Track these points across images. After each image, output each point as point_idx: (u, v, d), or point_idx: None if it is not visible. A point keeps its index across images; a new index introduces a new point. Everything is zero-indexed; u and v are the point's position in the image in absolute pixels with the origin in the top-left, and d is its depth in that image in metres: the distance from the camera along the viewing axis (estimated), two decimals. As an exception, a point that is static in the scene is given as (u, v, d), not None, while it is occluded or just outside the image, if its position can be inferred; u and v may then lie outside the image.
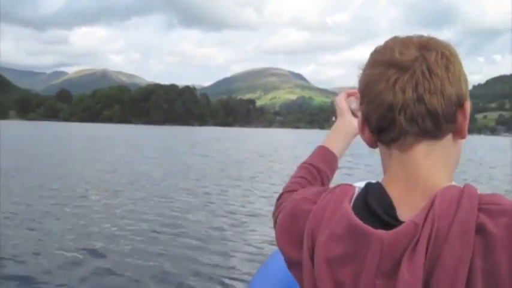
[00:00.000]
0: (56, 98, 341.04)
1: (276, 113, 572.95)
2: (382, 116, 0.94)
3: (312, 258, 0.92)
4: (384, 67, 0.94)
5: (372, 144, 1.03)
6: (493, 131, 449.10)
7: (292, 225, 1.02)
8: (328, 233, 0.90)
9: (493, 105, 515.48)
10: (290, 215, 1.04)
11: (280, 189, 1.31)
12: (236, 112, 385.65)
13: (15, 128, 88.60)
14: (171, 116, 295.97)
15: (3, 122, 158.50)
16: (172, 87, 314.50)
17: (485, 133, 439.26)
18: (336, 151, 1.45)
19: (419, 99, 0.90)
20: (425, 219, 0.81)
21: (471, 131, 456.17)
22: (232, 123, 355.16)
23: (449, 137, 0.96)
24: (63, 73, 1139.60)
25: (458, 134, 0.96)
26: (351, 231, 0.88)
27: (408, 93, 0.90)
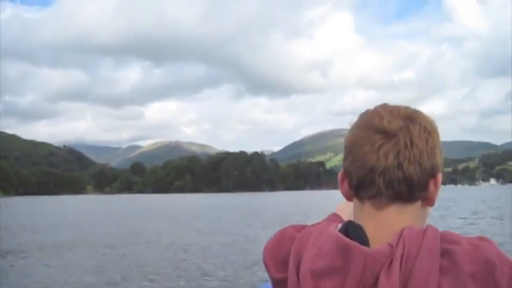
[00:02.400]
0: (130, 171, 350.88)
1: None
2: (363, 175, 1.04)
3: (298, 273, 1.00)
4: (372, 131, 1.04)
5: (349, 197, 1.12)
6: None
7: (278, 247, 1.11)
8: (316, 250, 0.99)
9: None
10: (277, 239, 1.14)
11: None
12: (306, 175, 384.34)
13: (91, 202, 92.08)
14: (241, 182, 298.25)
15: (80, 196, 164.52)
16: (242, 154, 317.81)
17: None
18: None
19: (399, 166, 1.01)
20: (397, 243, 0.95)
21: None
22: (303, 186, 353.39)
23: (419, 203, 1.06)
24: (138, 147, 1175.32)
25: (428, 202, 1.07)
26: (339, 246, 0.96)
27: (390, 160, 1.01)
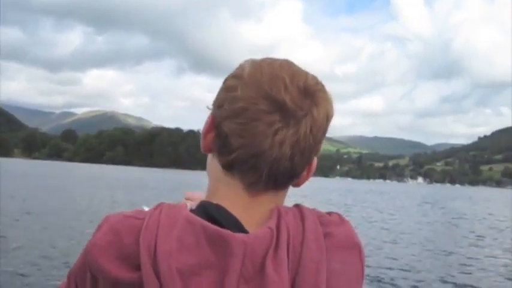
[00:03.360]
0: (60, 137, 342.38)
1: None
2: (245, 157, 0.89)
3: (157, 274, 0.79)
4: (271, 105, 0.87)
5: (207, 151, 0.98)
6: (499, 183, 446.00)
7: (116, 242, 0.84)
8: (176, 243, 0.80)
9: (498, 157, 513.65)
10: (112, 232, 0.86)
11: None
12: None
13: (17, 167, 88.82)
14: (174, 160, 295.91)
15: (5, 160, 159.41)
16: (177, 131, 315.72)
17: (490, 185, 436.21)
18: None
19: (291, 158, 0.89)
20: (279, 227, 0.84)
21: (476, 182, 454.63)
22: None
23: (288, 187, 0.97)
24: (72, 114, 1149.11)
25: (296, 185, 0.98)
26: (208, 236, 0.82)
27: (284, 150, 0.87)
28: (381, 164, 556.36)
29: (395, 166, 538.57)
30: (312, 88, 0.91)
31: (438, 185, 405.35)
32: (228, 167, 0.92)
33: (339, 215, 0.95)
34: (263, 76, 0.90)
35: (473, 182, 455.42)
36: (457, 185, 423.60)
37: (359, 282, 0.90)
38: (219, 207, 0.89)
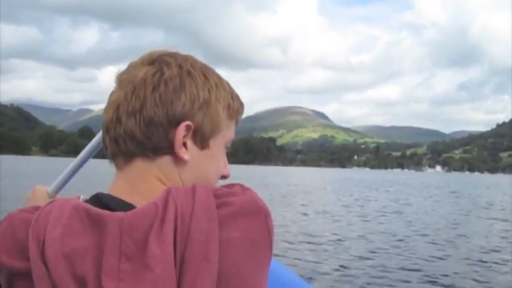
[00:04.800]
0: (77, 134, 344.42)
1: (298, 152, 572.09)
2: (104, 133, 0.97)
3: (44, 262, 0.81)
4: (116, 81, 0.97)
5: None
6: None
7: (11, 236, 0.88)
8: (62, 229, 0.82)
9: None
10: (8, 227, 0.89)
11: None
12: (256, 150, 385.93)
13: (36, 164, 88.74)
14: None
15: (23, 157, 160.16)
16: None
17: (510, 172, 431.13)
18: None
19: (118, 121, 0.91)
20: (166, 203, 0.83)
21: (495, 169, 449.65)
22: (252, 161, 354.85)
23: (167, 158, 0.94)
24: (89, 110, 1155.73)
25: (176, 156, 0.94)
26: (90, 220, 0.83)
27: (109, 114, 0.93)
28: (398, 153, 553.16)
29: (413, 155, 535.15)
30: (150, 56, 0.98)
31: (457, 173, 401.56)
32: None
33: (241, 185, 0.93)
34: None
35: (493, 170, 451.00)
36: (476, 173, 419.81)
37: (264, 248, 0.88)
38: (105, 194, 0.93)
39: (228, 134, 1.02)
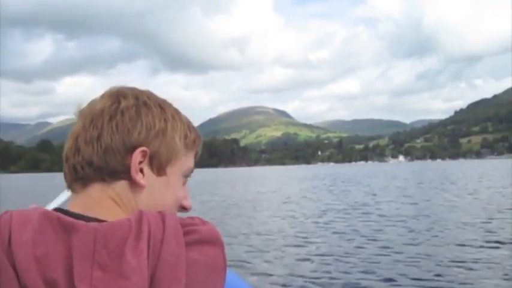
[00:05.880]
0: (36, 149, 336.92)
1: (262, 151, 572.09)
2: (63, 164, 0.99)
3: (12, 264, 0.81)
4: (77, 114, 1.01)
5: None
6: (478, 155, 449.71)
7: None
8: (33, 235, 0.83)
9: (476, 129, 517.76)
10: None
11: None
12: (220, 153, 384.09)
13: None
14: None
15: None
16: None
17: (470, 157, 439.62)
18: None
19: (77, 149, 0.95)
20: (141, 221, 0.86)
21: (456, 155, 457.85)
22: (217, 164, 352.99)
23: (124, 183, 0.96)
24: (48, 123, 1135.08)
25: (133, 181, 0.96)
26: (63, 227, 0.85)
27: (69, 144, 0.98)
28: (361, 146, 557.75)
29: (376, 147, 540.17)
30: (115, 93, 1.02)
31: (419, 161, 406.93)
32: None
33: (199, 218, 0.97)
34: None
35: (454, 156, 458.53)
36: (438, 160, 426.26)
37: (221, 273, 0.94)
38: (67, 210, 0.94)
39: (186, 163, 1.04)
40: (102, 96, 1.00)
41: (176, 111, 1.05)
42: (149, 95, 1.02)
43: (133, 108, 0.97)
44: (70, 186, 0.99)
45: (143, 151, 0.95)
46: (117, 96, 0.98)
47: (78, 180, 0.97)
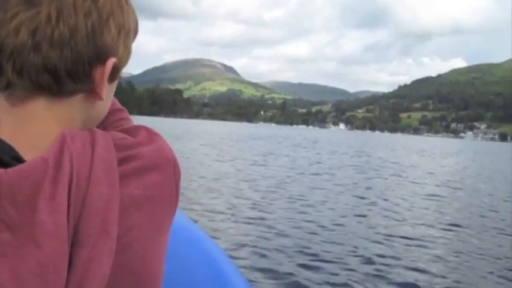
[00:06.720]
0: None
1: (205, 105, 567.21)
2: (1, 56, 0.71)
3: None
4: None
5: None
6: (416, 131, 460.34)
7: None
8: None
9: (417, 105, 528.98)
10: None
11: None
12: (162, 102, 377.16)
13: None
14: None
15: None
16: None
17: (408, 132, 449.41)
18: None
19: (36, 49, 0.69)
20: (61, 158, 0.67)
21: (395, 129, 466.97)
22: (158, 113, 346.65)
23: (80, 96, 0.76)
24: None
25: (93, 95, 0.77)
26: None
27: (22, 37, 0.68)
28: (304, 110, 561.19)
29: (318, 112, 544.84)
30: None
31: (359, 131, 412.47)
32: None
33: (146, 129, 0.82)
34: None
35: (393, 129, 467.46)
36: (377, 132, 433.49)
37: (169, 204, 0.79)
38: None
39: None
40: None
41: None
42: None
43: (108, 3, 0.74)
44: (2, 90, 0.73)
45: (114, 62, 0.76)
46: None
47: (19, 86, 0.71)
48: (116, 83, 0.85)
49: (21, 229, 0.62)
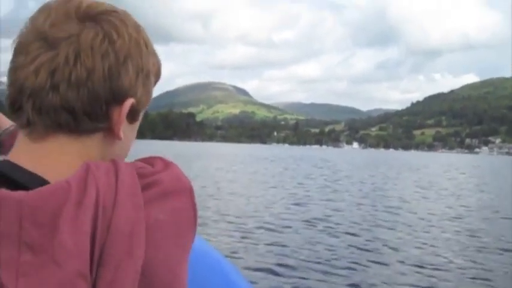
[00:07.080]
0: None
1: (218, 127, 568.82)
2: (14, 97, 0.76)
3: None
4: (34, 35, 0.75)
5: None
6: (430, 147, 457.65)
7: None
8: None
9: (430, 121, 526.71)
10: None
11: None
12: (175, 126, 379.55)
13: None
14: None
15: None
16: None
17: (422, 149, 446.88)
18: None
19: (54, 89, 0.72)
20: (85, 183, 0.69)
21: (409, 146, 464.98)
22: (172, 136, 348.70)
23: (100, 135, 0.79)
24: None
25: (111, 134, 0.80)
26: None
27: (41, 78, 0.72)
28: (317, 130, 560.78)
29: (331, 131, 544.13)
30: (88, 7, 0.77)
31: (373, 149, 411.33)
32: (11, 113, 0.78)
33: (161, 159, 0.84)
34: (36, 12, 0.78)
35: (406, 147, 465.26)
36: (391, 149, 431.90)
37: (190, 229, 0.81)
38: (7, 162, 0.75)
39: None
40: (77, 17, 0.76)
41: (149, 40, 0.86)
42: (136, 25, 0.83)
43: (126, 47, 0.77)
44: (26, 127, 0.76)
45: (132, 103, 0.79)
46: (101, 25, 0.77)
47: (41, 125, 0.75)
48: (137, 124, 0.86)
49: (43, 249, 0.63)
